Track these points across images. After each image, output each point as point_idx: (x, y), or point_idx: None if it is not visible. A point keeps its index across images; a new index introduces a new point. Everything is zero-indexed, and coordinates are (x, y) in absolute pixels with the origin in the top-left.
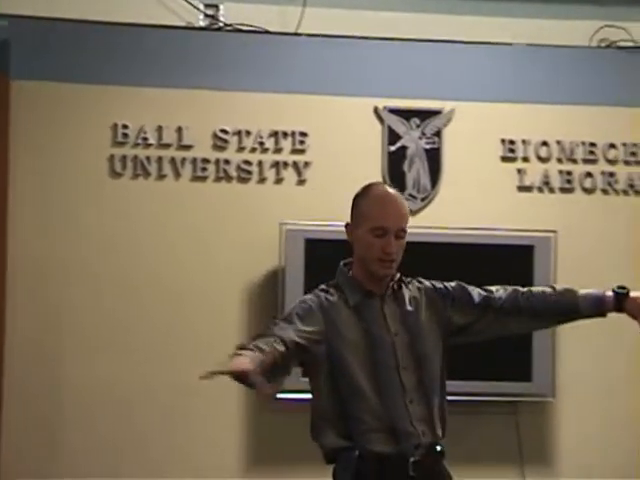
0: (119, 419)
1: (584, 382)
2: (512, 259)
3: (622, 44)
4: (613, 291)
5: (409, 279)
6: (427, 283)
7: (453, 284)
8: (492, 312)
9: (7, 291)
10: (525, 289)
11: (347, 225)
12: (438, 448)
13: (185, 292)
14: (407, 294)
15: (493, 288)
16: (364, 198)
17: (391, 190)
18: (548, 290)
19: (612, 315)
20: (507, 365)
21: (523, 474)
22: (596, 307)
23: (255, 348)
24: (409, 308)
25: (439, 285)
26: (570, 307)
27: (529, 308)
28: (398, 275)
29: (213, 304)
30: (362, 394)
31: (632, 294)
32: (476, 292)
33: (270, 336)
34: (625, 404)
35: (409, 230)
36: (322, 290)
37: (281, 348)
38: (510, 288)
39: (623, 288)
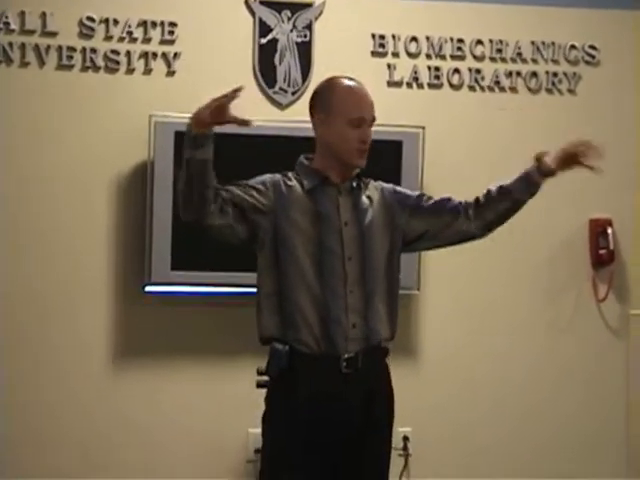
0: None
1: (450, 278)
2: (380, 154)
3: None
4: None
5: (368, 180)
6: (388, 185)
7: (415, 193)
8: (445, 215)
9: None
10: (469, 201)
11: (313, 116)
12: (375, 344)
13: (51, 184)
14: (364, 191)
15: (449, 196)
16: (332, 92)
17: (356, 81)
18: (485, 196)
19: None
20: None
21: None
22: (527, 184)
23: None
24: (364, 203)
25: (400, 189)
26: (509, 198)
27: (478, 214)
28: (357, 171)
29: (81, 196)
30: (304, 278)
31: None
32: (432, 199)
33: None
34: (481, 296)
35: (280, 125)
36: (281, 174)
37: (223, 194)
38: (450, 199)
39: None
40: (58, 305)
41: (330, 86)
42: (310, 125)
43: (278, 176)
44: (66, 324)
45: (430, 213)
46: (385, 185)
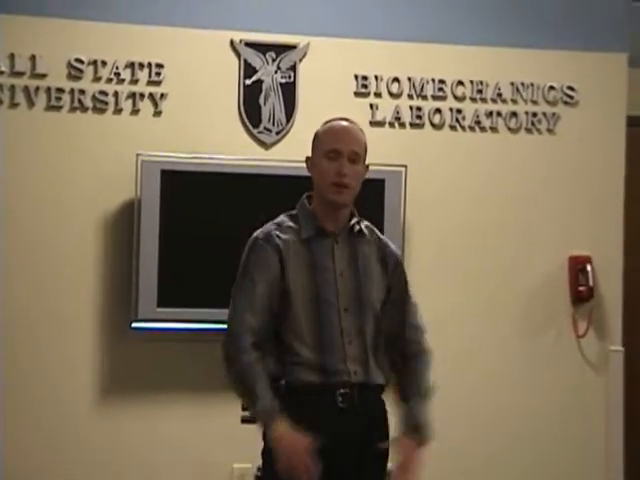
0: None
1: (428, 307)
2: (364, 192)
3: None
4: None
5: (367, 223)
6: (388, 242)
7: (401, 265)
8: (398, 329)
9: None
10: (415, 351)
11: (307, 159)
12: (373, 383)
13: (41, 220)
14: (363, 239)
15: (413, 306)
16: (321, 130)
17: (348, 122)
18: (411, 378)
19: (469, 248)
20: None
21: None
22: (401, 419)
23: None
24: (361, 253)
25: (396, 252)
26: (400, 395)
27: (395, 364)
28: (356, 219)
29: (69, 234)
30: (301, 331)
31: (405, 447)
32: (409, 307)
33: (250, 354)
34: (462, 331)
35: (264, 164)
36: (275, 224)
37: (263, 362)
38: (418, 329)
39: (423, 430)
40: (48, 338)
41: (323, 125)
42: (294, 164)
43: (272, 232)
44: (56, 358)
45: (397, 314)
46: (385, 240)
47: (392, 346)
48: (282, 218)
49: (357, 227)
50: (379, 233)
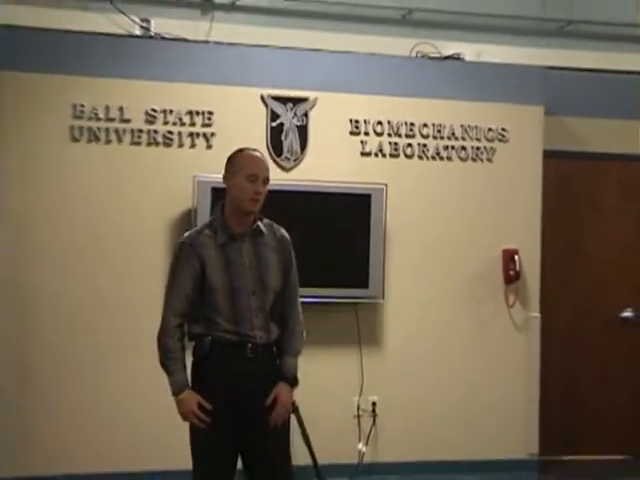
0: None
1: (405, 291)
2: (355, 204)
3: (431, 55)
4: (285, 377)
5: (268, 221)
6: (285, 235)
7: (289, 244)
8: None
9: None
10: (289, 324)
11: (225, 178)
12: (269, 343)
13: (124, 225)
14: (264, 237)
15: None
16: (237, 156)
17: (259, 152)
18: (287, 342)
19: (433, 246)
20: (351, 276)
21: (361, 351)
22: (279, 370)
23: (178, 363)
24: (262, 249)
25: (286, 236)
26: (278, 352)
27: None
28: (259, 223)
29: (143, 235)
30: (221, 310)
31: (280, 390)
32: (291, 286)
33: (172, 336)
34: (426, 304)
35: (284, 183)
36: (197, 232)
37: (182, 341)
38: (293, 312)
39: (293, 379)
40: (123, 322)
41: (237, 153)
42: (306, 183)
43: (195, 238)
44: (130, 337)
45: (285, 296)
46: (283, 234)
47: (279, 318)
48: (201, 227)
49: (258, 228)
50: (275, 225)
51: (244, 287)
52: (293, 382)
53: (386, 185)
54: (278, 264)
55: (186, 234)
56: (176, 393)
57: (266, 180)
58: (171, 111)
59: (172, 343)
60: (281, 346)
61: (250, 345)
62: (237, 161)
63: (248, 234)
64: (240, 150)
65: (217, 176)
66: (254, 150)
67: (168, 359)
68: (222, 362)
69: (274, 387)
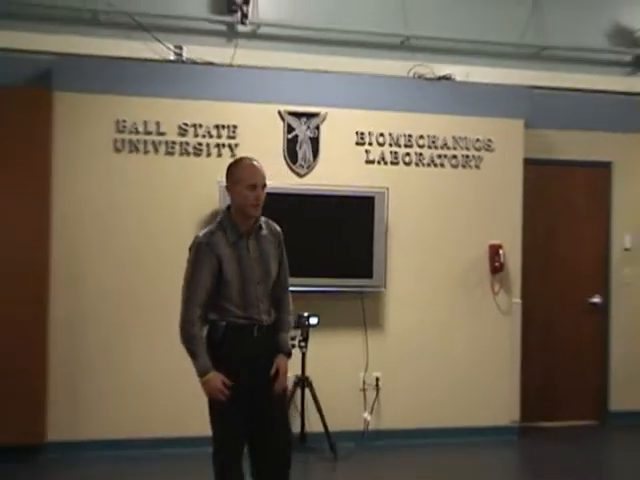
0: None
1: (405, 280)
2: (361, 205)
3: (427, 76)
4: (283, 350)
5: (264, 219)
6: (279, 229)
7: (281, 238)
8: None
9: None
10: (283, 306)
11: (227, 186)
12: (271, 324)
13: (163, 224)
14: (264, 233)
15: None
16: (237, 167)
17: (256, 161)
18: (282, 321)
19: (429, 242)
20: (357, 268)
21: (366, 334)
22: (276, 344)
23: (201, 348)
24: (264, 243)
25: (279, 230)
26: (276, 327)
27: (275, 303)
28: (260, 221)
29: (180, 230)
30: (233, 299)
31: (280, 361)
32: (283, 271)
33: (196, 324)
34: (425, 292)
35: (299, 187)
36: (210, 232)
37: (203, 329)
38: (286, 290)
39: (289, 352)
40: (154, 318)
41: (236, 163)
42: (318, 187)
43: (210, 237)
44: (159, 332)
45: (279, 281)
46: (278, 230)
47: (275, 299)
48: (213, 227)
49: (260, 227)
50: (271, 222)
51: (252, 278)
52: (289, 354)
53: (387, 189)
54: (275, 254)
55: (200, 234)
56: (203, 374)
57: (264, 186)
58: (200, 125)
59: (196, 331)
60: (277, 323)
61: (257, 327)
62: (237, 172)
63: (252, 232)
64: (239, 160)
65: None
66: (250, 160)
67: (193, 345)
68: (235, 343)
69: (274, 359)
